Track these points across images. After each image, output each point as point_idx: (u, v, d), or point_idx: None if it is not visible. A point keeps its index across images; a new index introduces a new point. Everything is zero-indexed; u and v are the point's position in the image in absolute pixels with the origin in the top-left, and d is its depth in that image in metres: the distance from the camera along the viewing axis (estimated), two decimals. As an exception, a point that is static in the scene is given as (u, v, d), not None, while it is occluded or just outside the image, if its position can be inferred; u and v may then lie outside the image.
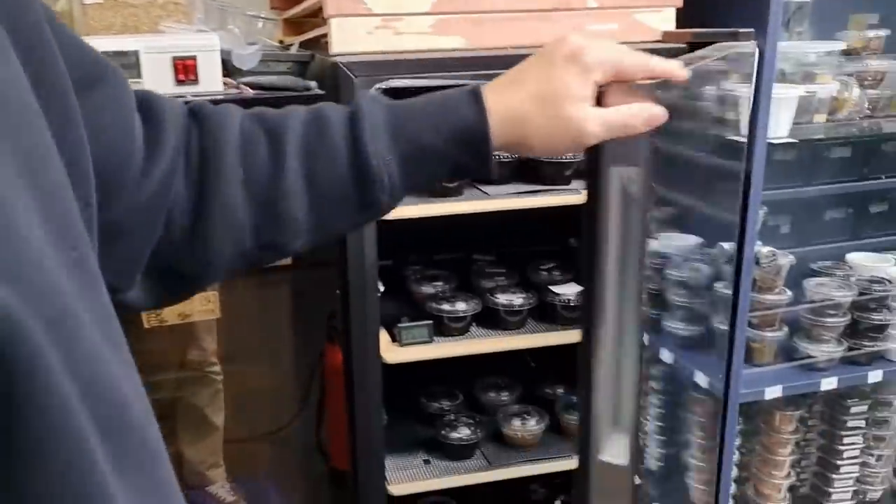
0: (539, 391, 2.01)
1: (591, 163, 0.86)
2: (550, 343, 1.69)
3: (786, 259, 2.01)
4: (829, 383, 2.04)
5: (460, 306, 1.67)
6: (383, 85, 1.40)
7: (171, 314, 1.57)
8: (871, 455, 2.41)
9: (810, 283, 2.07)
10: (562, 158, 1.63)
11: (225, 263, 0.70)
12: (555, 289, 1.74)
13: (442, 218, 1.54)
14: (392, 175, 0.70)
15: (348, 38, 1.43)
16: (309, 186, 0.69)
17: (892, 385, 2.37)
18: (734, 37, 1.48)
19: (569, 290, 1.74)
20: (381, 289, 1.57)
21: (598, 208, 0.87)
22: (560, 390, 2.01)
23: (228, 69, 1.43)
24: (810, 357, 2.05)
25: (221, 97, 1.36)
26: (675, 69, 0.77)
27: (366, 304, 1.50)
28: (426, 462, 1.75)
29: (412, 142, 0.70)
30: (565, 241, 2.25)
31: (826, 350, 2.04)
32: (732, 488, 2.10)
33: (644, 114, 0.74)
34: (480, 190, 1.63)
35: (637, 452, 0.96)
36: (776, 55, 1.71)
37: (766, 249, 1.96)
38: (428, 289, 1.78)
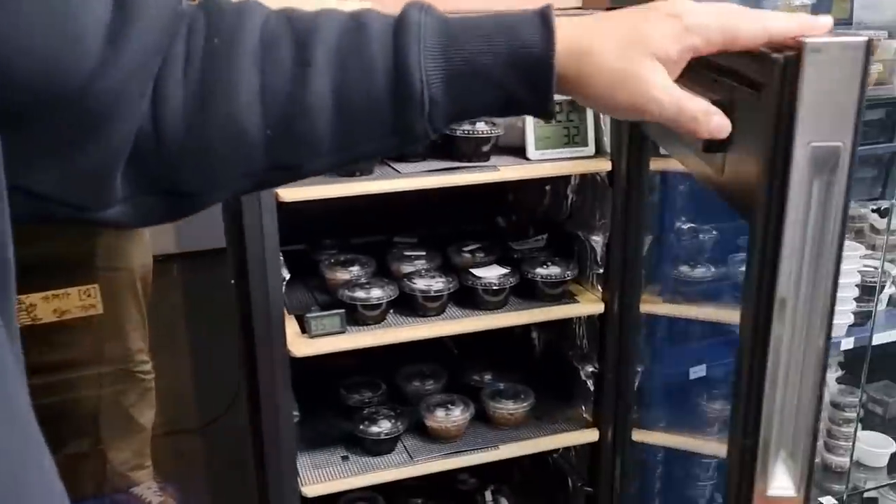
0: (466, 379, 1.93)
1: (777, 137, 0.70)
2: (470, 329, 1.60)
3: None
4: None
5: (375, 293, 1.56)
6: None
7: (46, 311, 1.42)
8: (802, 430, 2.40)
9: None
10: (479, 133, 1.53)
11: (229, 183, 0.63)
12: (476, 272, 1.65)
13: (359, 199, 1.43)
14: (435, 97, 0.61)
15: None
16: (337, 102, 0.60)
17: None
18: None
19: (491, 274, 1.65)
20: (286, 276, 1.46)
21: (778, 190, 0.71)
22: (487, 377, 1.93)
23: None
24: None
25: None
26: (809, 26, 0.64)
27: (268, 294, 1.38)
28: (344, 458, 1.65)
29: (464, 62, 0.60)
30: (492, 220, 2.17)
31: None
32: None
33: (713, 121, 0.66)
34: (392, 168, 1.52)
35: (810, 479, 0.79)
36: None
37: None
38: (342, 275, 1.67)
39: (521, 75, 0.61)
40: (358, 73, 0.60)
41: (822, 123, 0.67)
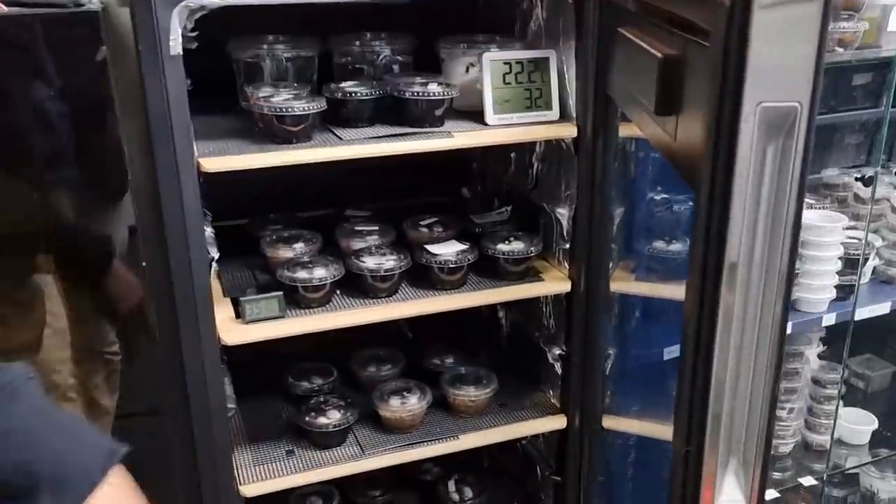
0: (425, 363, 1.79)
1: (723, 95, 0.60)
2: (423, 312, 1.46)
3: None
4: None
5: (318, 273, 1.42)
6: (193, 3, 1.11)
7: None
8: (783, 409, 2.31)
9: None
10: (431, 94, 1.38)
11: None
12: (432, 248, 1.51)
13: (308, 168, 1.28)
14: None
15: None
16: None
17: (802, 335, 2.26)
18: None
19: (448, 250, 1.51)
20: (215, 255, 1.31)
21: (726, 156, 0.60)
22: (449, 361, 1.80)
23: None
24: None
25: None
26: None
27: (192, 276, 1.23)
28: (289, 453, 1.51)
29: None
30: (457, 191, 2.02)
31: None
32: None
33: None
34: (333, 133, 1.37)
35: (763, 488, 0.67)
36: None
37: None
38: (285, 252, 1.52)
39: None
40: None
41: (775, 80, 0.58)
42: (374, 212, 1.78)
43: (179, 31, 1.12)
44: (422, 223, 1.64)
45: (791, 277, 0.65)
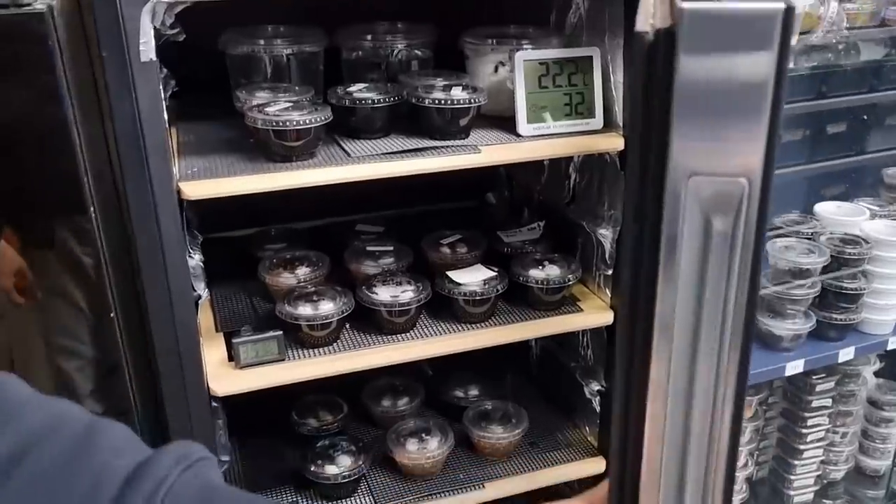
0: (446, 395, 1.61)
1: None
2: (445, 351, 1.27)
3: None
4: (795, 367, 1.69)
5: (325, 308, 1.22)
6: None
7: None
8: (836, 433, 2.10)
9: (774, 247, 1.69)
10: (455, 102, 1.17)
11: None
12: (455, 276, 1.31)
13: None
14: None
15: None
16: None
17: (861, 356, 2.05)
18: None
19: (473, 279, 1.31)
20: (202, 293, 1.12)
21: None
22: (473, 392, 1.61)
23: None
24: (773, 335, 1.69)
25: None
26: None
27: (174, 322, 1.04)
28: (293, 507, 1.34)
29: None
30: (481, 196, 1.82)
31: (792, 327, 1.68)
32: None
33: None
34: (341, 146, 1.17)
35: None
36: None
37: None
38: (287, 279, 1.33)
39: None
40: None
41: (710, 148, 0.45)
42: (388, 226, 1.58)
43: (151, 32, 0.92)
44: (442, 241, 1.44)
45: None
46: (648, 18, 0.47)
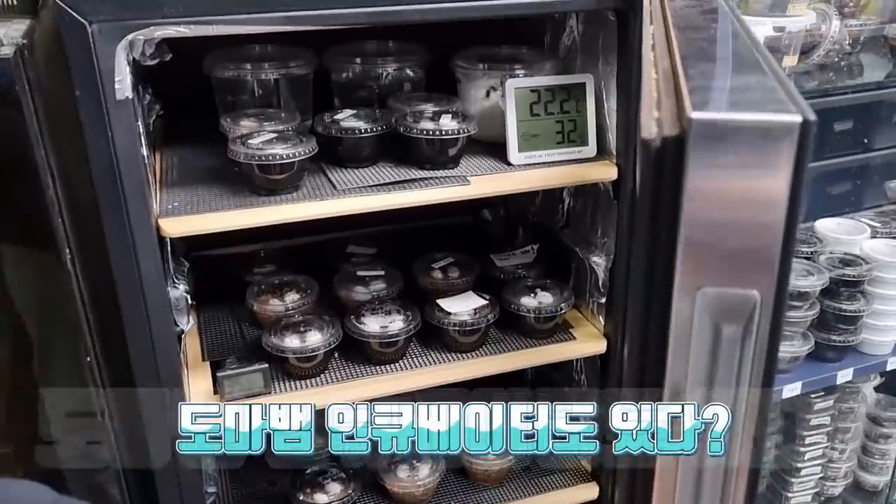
0: (438, 418, 1.58)
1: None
2: (435, 383, 1.25)
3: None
4: (792, 390, 1.67)
5: (313, 340, 1.20)
6: (143, 35, 0.89)
7: None
8: (835, 450, 2.08)
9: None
10: (444, 133, 1.15)
11: None
12: (446, 305, 1.29)
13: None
14: None
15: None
16: None
17: (860, 377, 2.02)
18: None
19: (464, 307, 1.29)
20: (185, 327, 1.10)
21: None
22: (464, 416, 1.59)
23: None
24: (771, 357, 1.66)
25: None
26: None
27: (156, 364, 1.02)
28: (280, 537, 1.32)
29: None
30: (476, 213, 1.79)
31: (789, 350, 1.65)
32: None
33: None
34: (327, 176, 1.15)
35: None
36: (739, -23, 1.25)
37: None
38: (275, 306, 1.31)
39: None
40: None
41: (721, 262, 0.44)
42: (380, 244, 1.56)
43: (127, 70, 0.89)
44: (434, 266, 1.41)
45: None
46: (653, 124, 0.44)
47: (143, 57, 0.98)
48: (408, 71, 1.36)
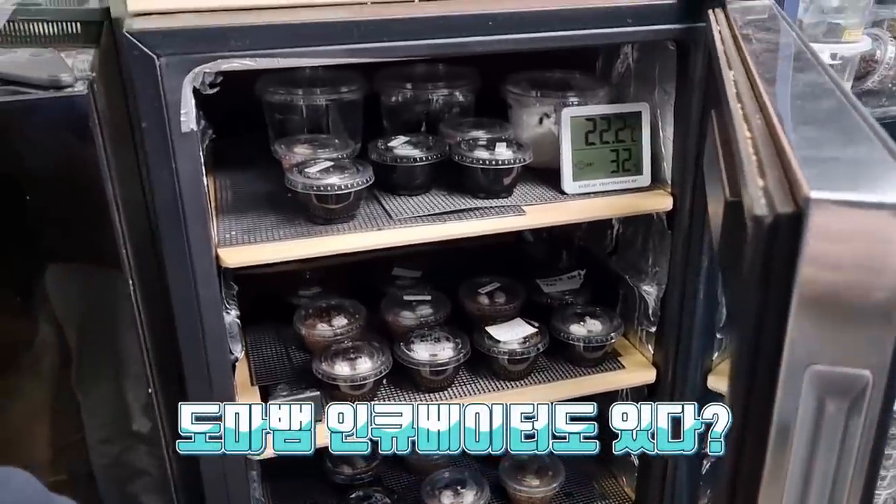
0: (480, 442, 1.57)
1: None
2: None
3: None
4: None
5: (363, 367, 1.20)
6: (209, 68, 0.89)
7: None
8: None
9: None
10: (500, 162, 1.14)
11: None
12: (494, 332, 1.28)
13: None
14: None
15: (154, -10, 0.91)
16: None
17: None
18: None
19: (513, 335, 1.27)
20: (238, 355, 1.10)
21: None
22: (506, 440, 1.58)
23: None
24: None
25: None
26: None
27: (210, 384, 1.02)
28: (326, 562, 1.31)
29: None
30: (518, 234, 1.78)
31: None
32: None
33: None
34: (381, 204, 1.14)
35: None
36: (798, 5, 1.23)
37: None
38: (322, 330, 1.31)
39: None
40: None
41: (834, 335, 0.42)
42: (424, 267, 1.55)
43: (192, 103, 0.90)
44: (480, 291, 1.40)
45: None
46: (761, 195, 0.43)
47: (202, 86, 0.99)
48: (458, 95, 1.35)
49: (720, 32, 0.92)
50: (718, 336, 1.24)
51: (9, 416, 1.06)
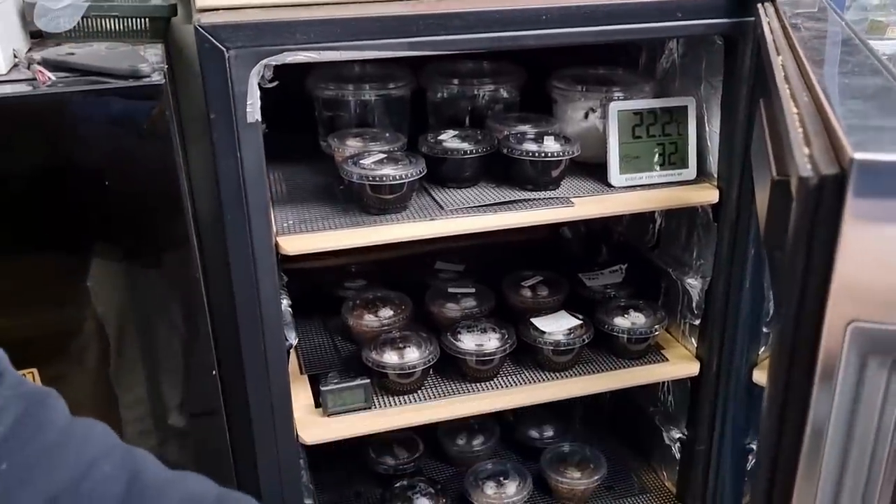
0: (521, 434, 1.59)
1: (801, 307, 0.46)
2: (531, 402, 1.26)
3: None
4: None
5: (411, 357, 1.22)
6: (275, 61, 0.92)
7: None
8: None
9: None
10: (548, 154, 1.16)
11: None
12: (539, 324, 1.30)
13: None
14: None
15: (222, -13, 0.94)
16: None
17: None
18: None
19: (558, 327, 1.29)
20: (293, 341, 1.13)
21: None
22: (548, 433, 1.59)
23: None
24: None
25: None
26: None
27: (268, 375, 1.05)
28: (372, 549, 1.34)
29: None
30: (556, 230, 1.80)
31: None
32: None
33: None
34: (431, 196, 1.17)
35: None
36: (844, 2, 1.24)
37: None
38: (370, 321, 1.34)
39: None
40: None
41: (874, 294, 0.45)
42: (466, 260, 1.58)
43: (258, 94, 0.93)
44: (524, 283, 1.42)
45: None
46: (806, 161, 0.45)
47: (262, 80, 1.02)
48: (502, 91, 1.38)
49: (769, 24, 0.93)
50: (765, 330, 1.25)
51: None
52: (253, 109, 0.93)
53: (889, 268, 0.45)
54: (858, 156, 0.43)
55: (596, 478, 1.44)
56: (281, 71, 1.09)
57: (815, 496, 0.51)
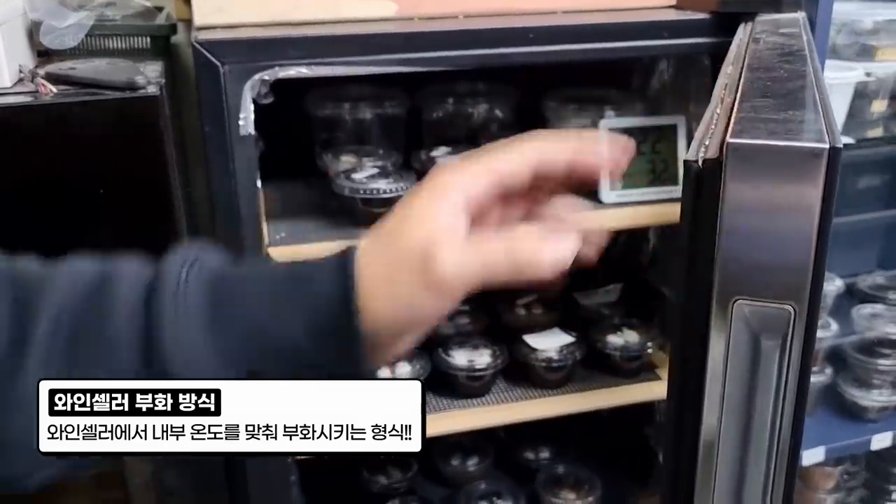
0: (517, 456, 1.59)
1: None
2: (523, 418, 1.26)
3: (832, 284, 1.57)
4: (881, 440, 1.62)
5: (403, 370, 1.23)
6: (268, 76, 0.95)
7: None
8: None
9: (860, 314, 1.64)
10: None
11: None
12: (532, 341, 1.30)
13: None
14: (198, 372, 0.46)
15: (217, 2, 0.97)
16: None
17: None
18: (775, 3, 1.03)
19: (551, 344, 1.30)
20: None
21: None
22: (544, 455, 1.59)
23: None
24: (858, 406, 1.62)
25: None
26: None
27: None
28: (362, 569, 1.33)
29: (242, 330, 0.47)
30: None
31: (879, 399, 1.61)
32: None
33: (525, 254, 0.47)
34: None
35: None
36: (831, 24, 1.26)
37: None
38: (364, 338, 1.34)
39: (321, 335, 0.47)
40: (96, 354, 0.46)
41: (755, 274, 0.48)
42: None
43: (251, 107, 0.95)
44: (518, 302, 1.43)
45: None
46: (700, 149, 0.48)
47: (258, 97, 1.04)
48: (497, 111, 1.40)
49: (740, 40, 0.95)
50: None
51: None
52: (246, 123, 0.95)
53: (762, 248, 0.47)
54: (732, 140, 0.45)
55: (590, 499, 1.44)
56: (281, 92, 1.11)
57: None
